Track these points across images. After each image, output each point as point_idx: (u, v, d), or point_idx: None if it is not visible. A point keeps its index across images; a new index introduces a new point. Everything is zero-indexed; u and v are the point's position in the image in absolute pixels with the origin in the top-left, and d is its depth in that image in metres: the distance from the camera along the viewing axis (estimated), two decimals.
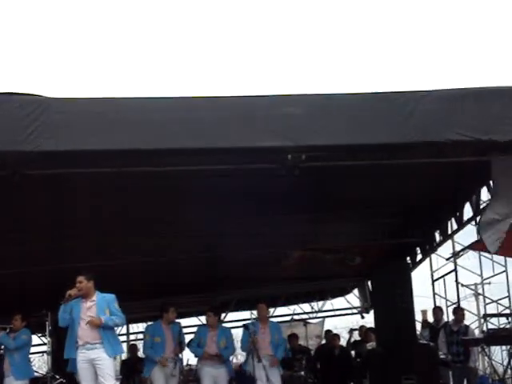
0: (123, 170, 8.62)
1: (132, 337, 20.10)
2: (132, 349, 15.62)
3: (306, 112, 8.16)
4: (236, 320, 16.29)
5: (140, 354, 13.53)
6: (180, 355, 10.50)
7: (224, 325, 14.39)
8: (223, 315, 16.66)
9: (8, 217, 10.16)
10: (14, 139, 7.80)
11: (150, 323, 11.26)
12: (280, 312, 16.36)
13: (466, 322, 13.49)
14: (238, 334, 12.72)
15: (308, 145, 7.97)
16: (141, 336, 16.43)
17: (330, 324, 18.42)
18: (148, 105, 8.12)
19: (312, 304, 18.59)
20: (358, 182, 9.92)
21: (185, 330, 11.58)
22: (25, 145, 7.76)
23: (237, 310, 17.57)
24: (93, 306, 8.87)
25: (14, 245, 11.14)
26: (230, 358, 11.07)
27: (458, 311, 13.04)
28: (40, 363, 21.68)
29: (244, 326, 10.70)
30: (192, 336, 11.03)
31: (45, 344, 15.06)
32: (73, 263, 10.52)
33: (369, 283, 16.90)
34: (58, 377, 12.03)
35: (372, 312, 16.18)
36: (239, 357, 12.53)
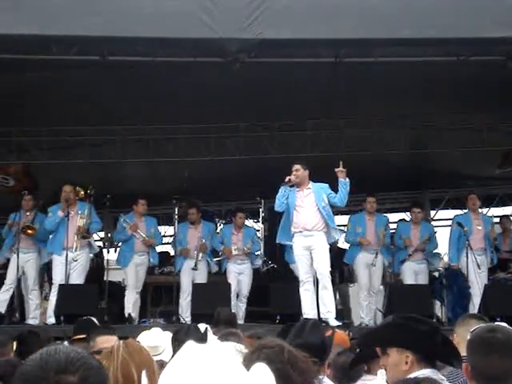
0: (342, 60, 8.51)
1: None
2: None
3: None
4: (446, 219, 15.90)
5: None
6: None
7: (433, 223, 14.19)
8: (433, 213, 16.35)
9: (226, 105, 10.34)
10: (236, 26, 7.87)
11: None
12: (493, 213, 15.72)
13: None
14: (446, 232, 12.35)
15: None
16: None
17: None
18: None
19: None
20: None
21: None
22: (246, 32, 7.82)
23: (447, 209, 17.14)
24: (310, 194, 9.03)
25: (234, 132, 11.33)
26: None
27: None
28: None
29: (458, 223, 10.47)
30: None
31: (258, 230, 15.59)
32: (288, 153, 10.60)
33: None
34: (269, 261, 12.43)
35: None
36: None
